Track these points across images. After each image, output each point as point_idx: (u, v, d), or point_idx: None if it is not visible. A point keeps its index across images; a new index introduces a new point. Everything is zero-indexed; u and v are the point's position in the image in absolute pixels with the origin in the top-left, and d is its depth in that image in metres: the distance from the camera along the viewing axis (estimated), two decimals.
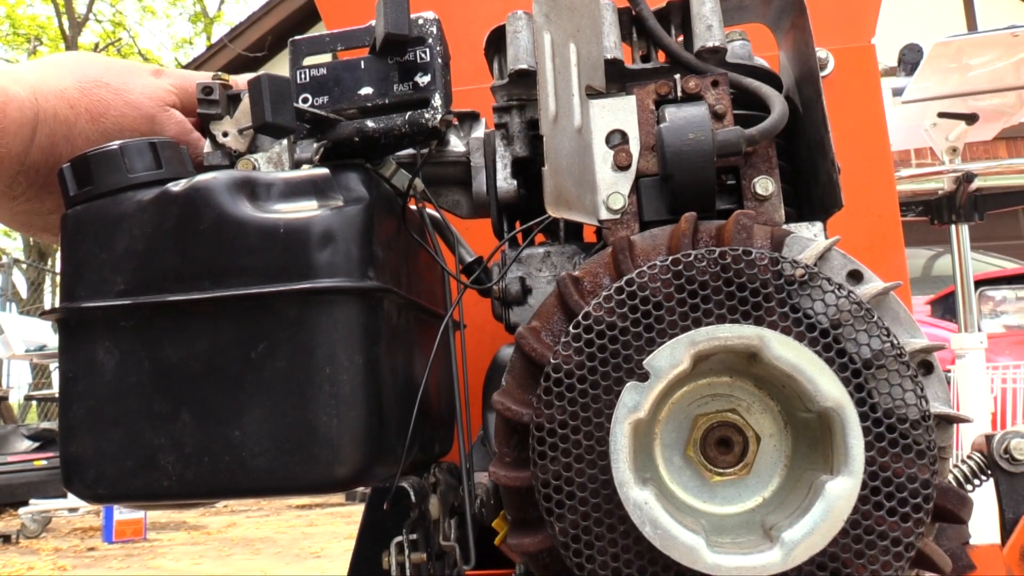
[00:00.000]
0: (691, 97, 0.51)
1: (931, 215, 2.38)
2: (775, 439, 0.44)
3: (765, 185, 0.50)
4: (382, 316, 0.50)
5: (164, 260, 0.49)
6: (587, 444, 0.41)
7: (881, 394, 0.40)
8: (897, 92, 2.18)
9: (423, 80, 0.53)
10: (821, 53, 0.93)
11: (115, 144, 0.53)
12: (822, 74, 0.92)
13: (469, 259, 0.61)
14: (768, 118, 0.50)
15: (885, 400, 0.40)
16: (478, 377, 0.62)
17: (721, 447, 0.43)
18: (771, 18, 0.60)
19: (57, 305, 0.51)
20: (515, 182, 0.58)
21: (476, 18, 0.90)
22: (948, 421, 0.43)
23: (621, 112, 0.51)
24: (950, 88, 2.14)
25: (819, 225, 0.50)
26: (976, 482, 0.65)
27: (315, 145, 0.54)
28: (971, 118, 2.26)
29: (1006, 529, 0.66)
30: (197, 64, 8.07)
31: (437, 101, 0.52)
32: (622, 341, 0.42)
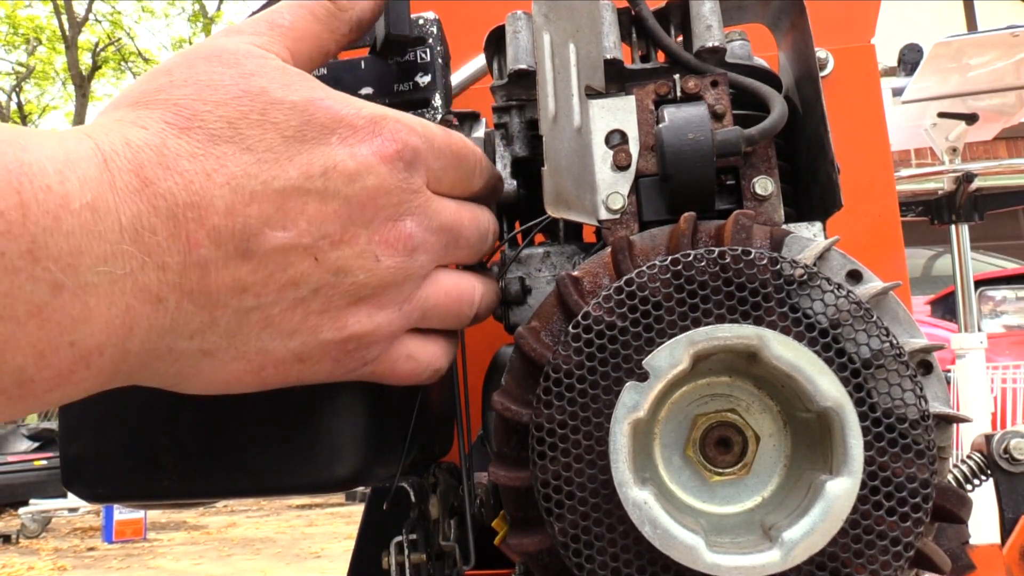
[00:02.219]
0: (690, 97, 0.51)
1: (931, 215, 2.38)
2: (774, 439, 0.44)
3: (764, 185, 0.50)
4: None
5: None
6: (587, 444, 0.41)
7: (880, 394, 0.40)
8: (897, 92, 2.18)
9: (423, 80, 0.53)
10: (821, 53, 0.93)
11: None
12: (822, 74, 0.92)
13: None
14: (767, 118, 0.50)
15: (884, 400, 0.40)
16: (478, 377, 0.62)
17: (720, 447, 0.43)
18: (771, 18, 0.60)
19: None
20: (515, 182, 0.58)
21: (476, 18, 0.90)
22: (948, 421, 0.43)
23: (620, 112, 0.51)
24: (950, 88, 2.14)
25: (818, 225, 0.50)
26: (976, 482, 0.65)
27: None
28: (971, 118, 2.26)
29: (1006, 529, 0.66)
30: None
31: (437, 101, 0.52)
32: (621, 341, 0.42)
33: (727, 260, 0.42)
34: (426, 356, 0.46)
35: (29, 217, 0.31)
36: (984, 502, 0.69)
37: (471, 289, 0.48)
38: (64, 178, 0.32)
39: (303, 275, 0.38)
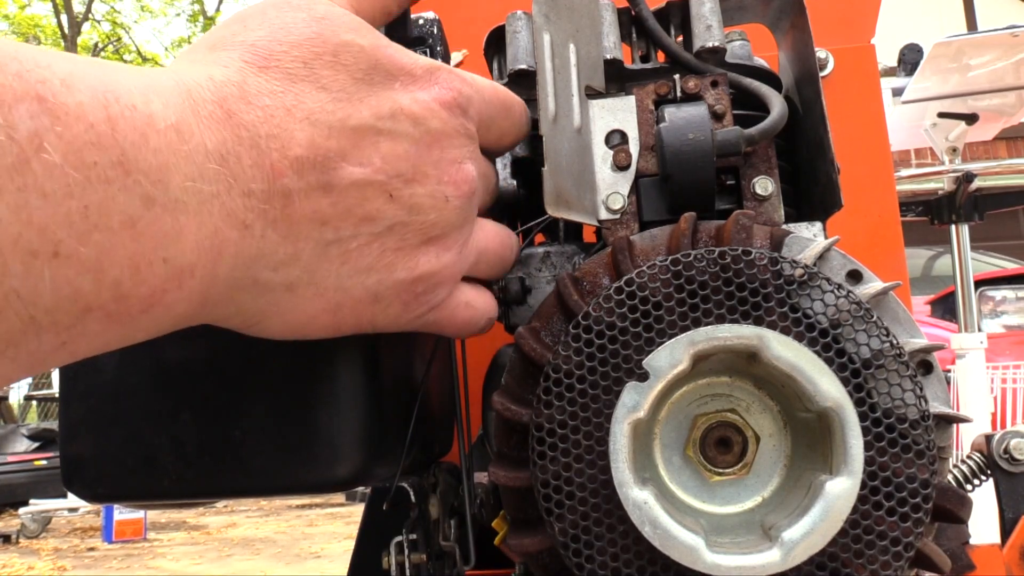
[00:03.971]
0: (690, 97, 0.51)
1: (931, 215, 2.38)
2: (775, 439, 0.44)
3: (764, 185, 0.50)
4: None
5: None
6: (587, 444, 0.41)
7: (880, 394, 0.40)
8: (897, 92, 2.18)
9: None
10: (821, 53, 0.93)
11: None
12: (822, 74, 0.92)
13: None
14: (767, 118, 0.50)
15: (884, 400, 0.40)
16: (478, 377, 0.62)
17: (720, 447, 0.43)
18: (771, 18, 0.60)
19: None
20: (515, 182, 0.58)
21: (476, 18, 0.90)
22: (948, 421, 0.43)
23: (620, 112, 0.51)
24: (950, 88, 2.14)
25: (819, 225, 0.50)
26: (976, 482, 0.65)
27: None
28: (971, 118, 2.26)
29: (1006, 529, 0.66)
30: None
31: None
32: (621, 341, 0.42)
33: (727, 260, 0.42)
34: (482, 304, 0.48)
35: (117, 131, 0.31)
36: (984, 502, 0.69)
37: (510, 234, 0.50)
38: (148, 100, 0.33)
39: (379, 211, 0.40)
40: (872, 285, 0.44)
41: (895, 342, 0.41)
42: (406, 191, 0.41)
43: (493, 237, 0.48)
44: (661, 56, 0.56)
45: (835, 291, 0.41)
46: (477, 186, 0.45)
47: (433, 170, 0.42)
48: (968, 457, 0.66)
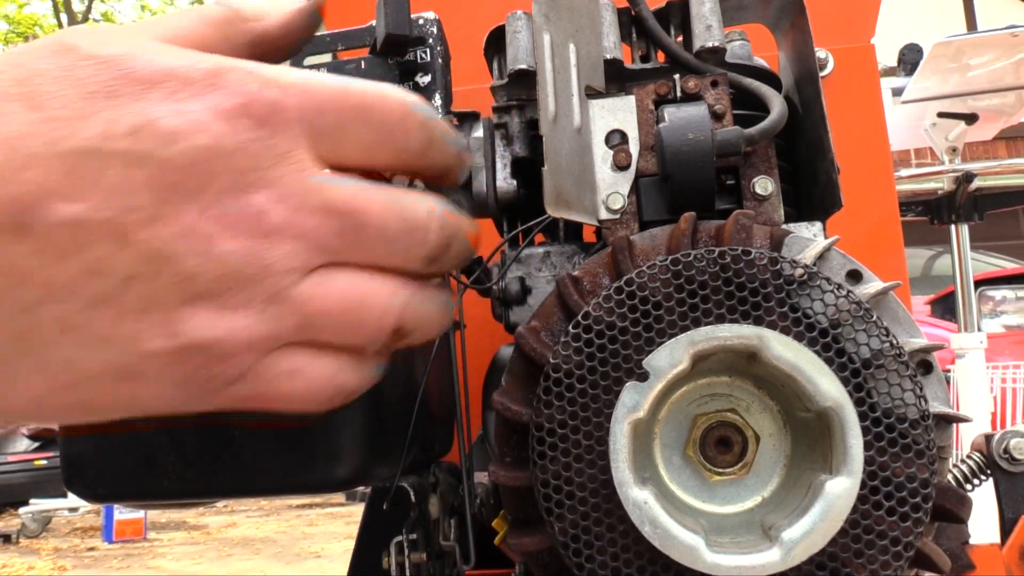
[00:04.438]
0: (690, 97, 0.51)
1: (931, 215, 2.38)
2: (774, 439, 0.44)
3: (764, 185, 0.50)
4: None
5: None
6: (587, 444, 0.41)
7: (880, 394, 0.40)
8: (897, 92, 2.18)
9: (423, 80, 0.53)
10: (821, 53, 0.93)
11: None
12: (822, 74, 0.92)
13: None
14: (767, 118, 0.50)
15: (884, 400, 0.40)
16: (478, 377, 0.62)
17: (720, 447, 0.43)
18: (771, 18, 0.60)
19: None
20: (515, 182, 0.58)
21: (476, 18, 0.90)
22: (947, 421, 0.43)
23: (621, 112, 0.52)
24: (950, 88, 2.14)
25: (818, 225, 0.50)
26: (976, 482, 0.65)
27: None
28: (971, 118, 2.26)
29: (1005, 529, 0.66)
30: None
31: (437, 101, 0.52)
32: (621, 341, 0.42)
33: (727, 260, 0.42)
34: (320, 372, 0.35)
35: None
36: (984, 502, 0.69)
37: (386, 296, 0.35)
38: None
39: (105, 260, 0.30)
40: (872, 285, 0.44)
41: (895, 342, 0.41)
42: (144, 233, 0.30)
43: (342, 297, 0.34)
44: (661, 56, 0.56)
45: (835, 291, 0.41)
46: (286, 223, 0.32)
47: (191, 204, 0.31)
48: (968, 457, 0.66)
